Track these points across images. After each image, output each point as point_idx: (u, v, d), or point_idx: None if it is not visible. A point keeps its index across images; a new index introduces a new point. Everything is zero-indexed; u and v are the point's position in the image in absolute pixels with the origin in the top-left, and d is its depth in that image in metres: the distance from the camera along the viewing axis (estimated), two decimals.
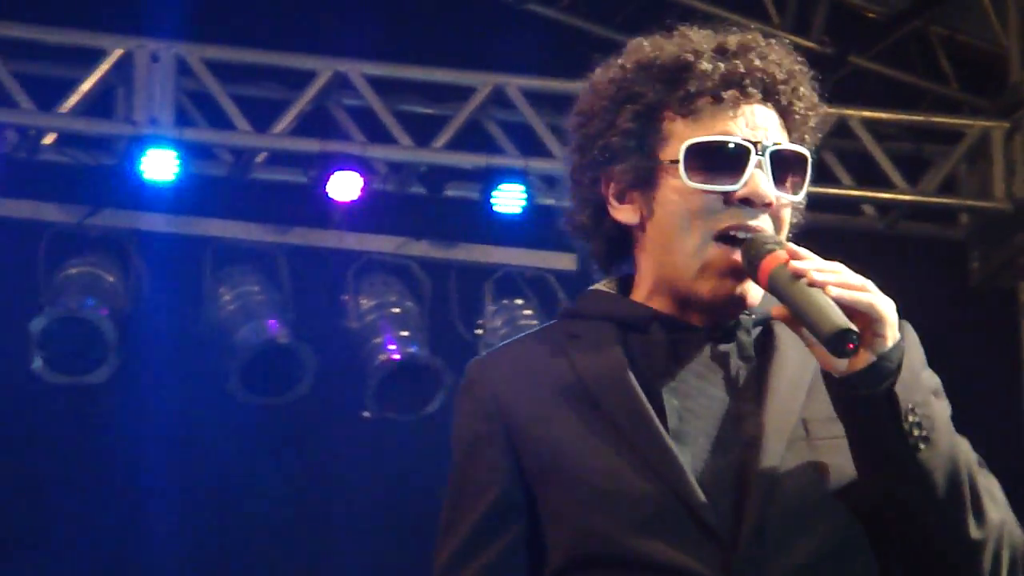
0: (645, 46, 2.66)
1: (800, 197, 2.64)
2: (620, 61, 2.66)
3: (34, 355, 6.64)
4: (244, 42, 6.95)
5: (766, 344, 2.59)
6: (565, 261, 7.17)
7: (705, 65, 2.59)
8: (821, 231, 7.48)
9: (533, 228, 7.04)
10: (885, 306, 2.45)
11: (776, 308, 2.46)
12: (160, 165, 6.63)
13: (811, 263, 2.46)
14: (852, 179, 7.35)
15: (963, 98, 7.82)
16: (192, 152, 6.80)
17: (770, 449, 2.51)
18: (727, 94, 2.59)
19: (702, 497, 2.49)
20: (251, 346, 6.87)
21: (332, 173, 6.77)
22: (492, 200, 6.92)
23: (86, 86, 6.73)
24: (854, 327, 2.36)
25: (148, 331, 6.88)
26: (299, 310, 6.99)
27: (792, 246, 2.51)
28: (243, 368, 6.88)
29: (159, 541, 6.90)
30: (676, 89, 2.60)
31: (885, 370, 2.41)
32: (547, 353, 2.64)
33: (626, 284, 2.70)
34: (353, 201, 6.81)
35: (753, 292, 2.56)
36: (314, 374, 6.91)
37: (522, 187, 6.93)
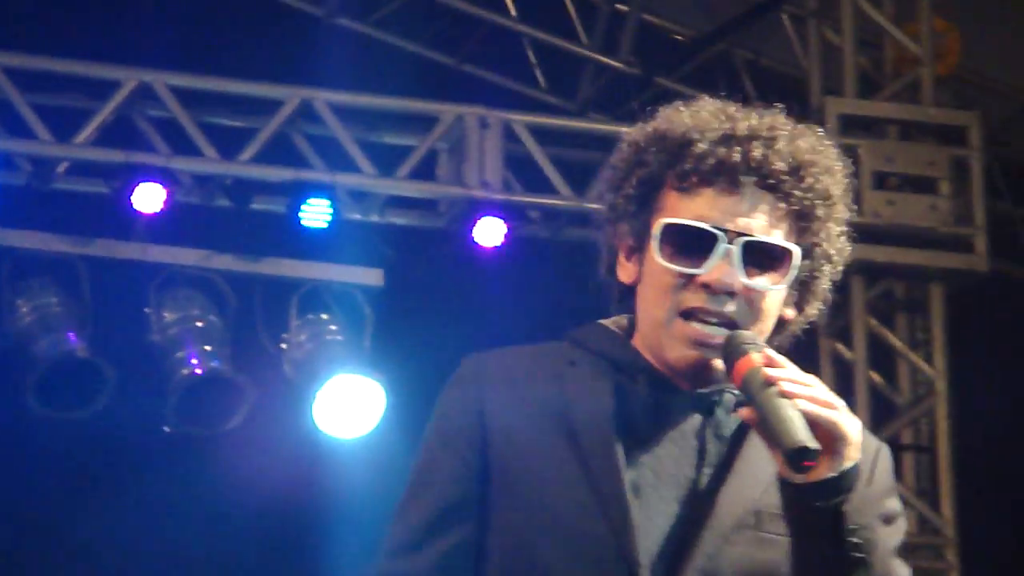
0: (671, 113, 2.74)
1: (779, 287, 2.67)
2: (651, 123, 2.75)
3: None
4: (46, 50, 6.83)
5: (743, 428, 2.64)
6: (372, 276, 7.16)
7: (703, 147, 2.66)
8: None
9: (340, 243, 7.01)
10: (850, 427, 2.49)
11: (745, 410, 2.52)
12: None
13: (785, 372, 2.52)
14: None
15: None
16: None
17: (716, 529, 2.59)
18: (718, 179, 2.65)
19: (641, 557, 2.57)
20: (49, 359, 6.75)
21: (135, 184, 6.68)
22: (299, 214, 6.88)
23: None
24: (814, 446, 2.42)
25: None
26: (100, 323, 6.88)
27: (770, 352, 2.57)
28: (40, 381, 6.75)
29: None
30: (676, 164, 2.67)
31: (838, 488, 2.47)
32: (542, 371, 2.73)
33: (631, 328, 2.76)
34: (157, 213, 6.73)
35: (715, 367, 2.63)
36: (114, 388, 6.80)
37: (328, 202, 6.90)
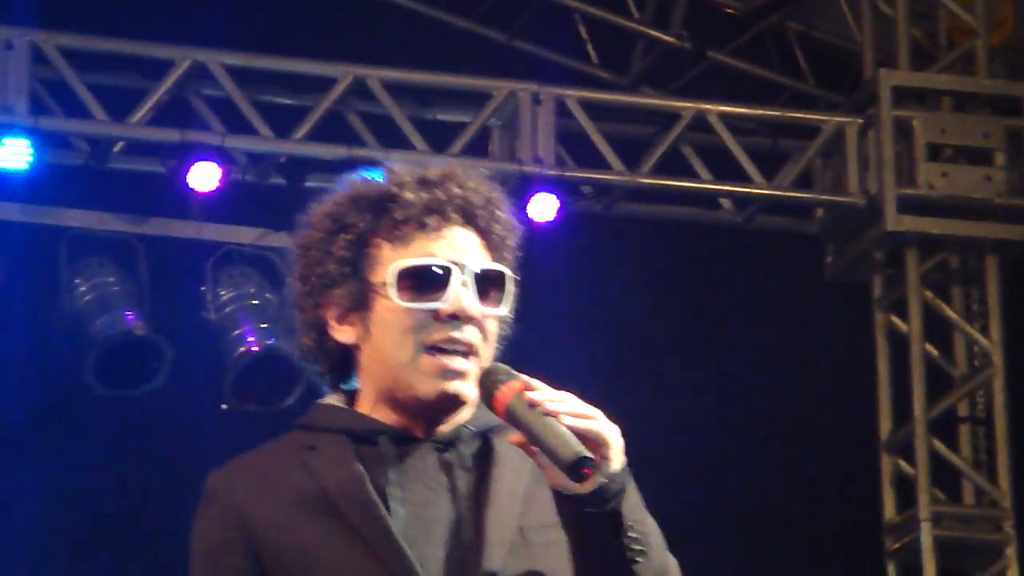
0: (356, 181, 2.92)
1: (504, 311, 2.87)
2: (333, 197, 2.91)
3: None
4: (101, 30, 6.87)
5: (485, 456, 2.80)
6: None
7: (409, 194, 2.83)
8: (679, 225, 7.61)
9: None
10: (612, 432, 2.67)
11: (514, 436, 2.67)
12: (14, 154, 6.54)
13: (544, 394, 2.69)
14: (710, 173, 7.42)
15: (818, 94, 7.94)
16: (47, 141, 6.71)
17: (492, 555, 2.73)
18: (430, 220, 2.82)
19: None
20: (107, 338, 6.80)
21: (191, 163, 6.71)
22: None
23: None
24: (590, 454, 2.60)
25: (2, 322, 6.78)
26: (156, 301, 6.93)
27: (525, 378, 2.72)
28: (99, 360, 6.80)
29: (11, 534, 6.81)
30: (383, 217, 2.84)
31: (612, 491, 2.65)
32: (286, 464, 2.83)
33: (352, 397, 2.89)
34: (212, 191, 6.77)
35: (466, 391, 2.78)
36: (171, 366, 6.85)
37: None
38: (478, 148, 7.24)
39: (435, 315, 2.80)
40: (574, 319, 7.41)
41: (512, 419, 2.68)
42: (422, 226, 2.84)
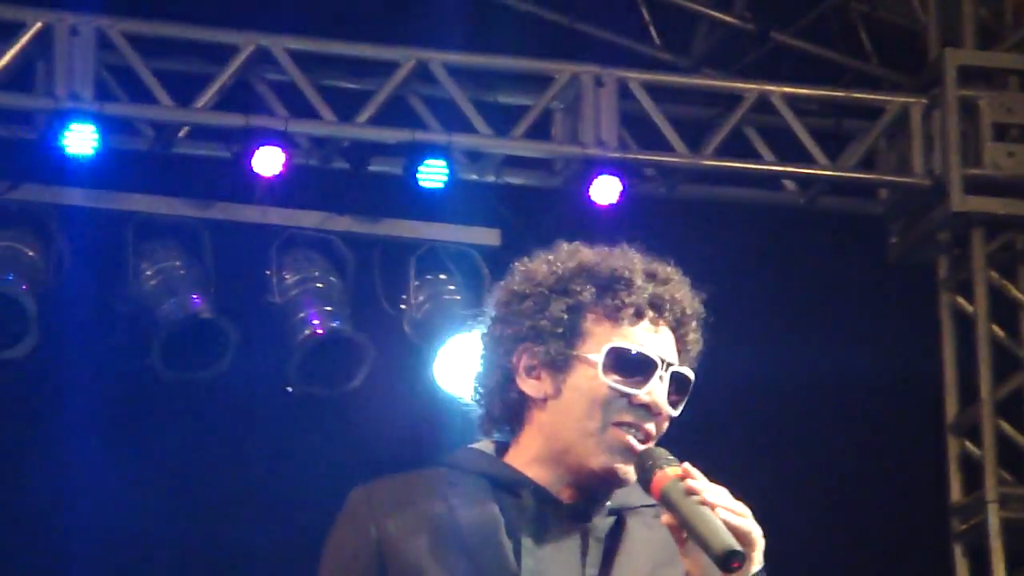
0: (586, 252, 3.08)
1: (677, 412, 3.01)
2: (560, 258, 3.06)
3: None
4: (165, 16, 6.91)
5: (617, 531, 2.95)
6: (488, 236, 7.19)
7: (640, 282, 3.01)
8: (742, 207, 7.59)
9: (456, 203, 7.04)
10: (758, 532, 2.84)
11: (665, 517, 2.84)
12: (81, 140, 6.59)
13: (702, 484, 2.84)
14: (773, 155, 7.40)
15: (883, 74, 7.88)
16: (113, 126, 6.76)
17: None
18: (650, 313, 3.00)
19: None
20: (173, 321, 6.85)
21: (255, 148, 6.75)
22: (416, 175, 6.92)
23: (5, 59, 6.68)
24: (741, 548, 2.76)
25: (69, 306, 6.84)
26: (222, 285, 6.97)
27: (687, 465, 2.88)
28: (165, 343, 6.85)
29: (78, 518, 6.87)
30: (607, 296, 3.00)
31: None
32: (428, 494, 2.96)
33: (501, 449, 3.02)
34: (276, 176, 6.80)
35: (632, 475, 2.93)
36: (236, 349, 6.89)
37: (445, 162, 6.94)
38: (540, 131, 7.24)
39: (630, 400, 2.95)
40: None
41: (667, 503, 2.82)
42: (640, 316, 2.99)
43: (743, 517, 2.82)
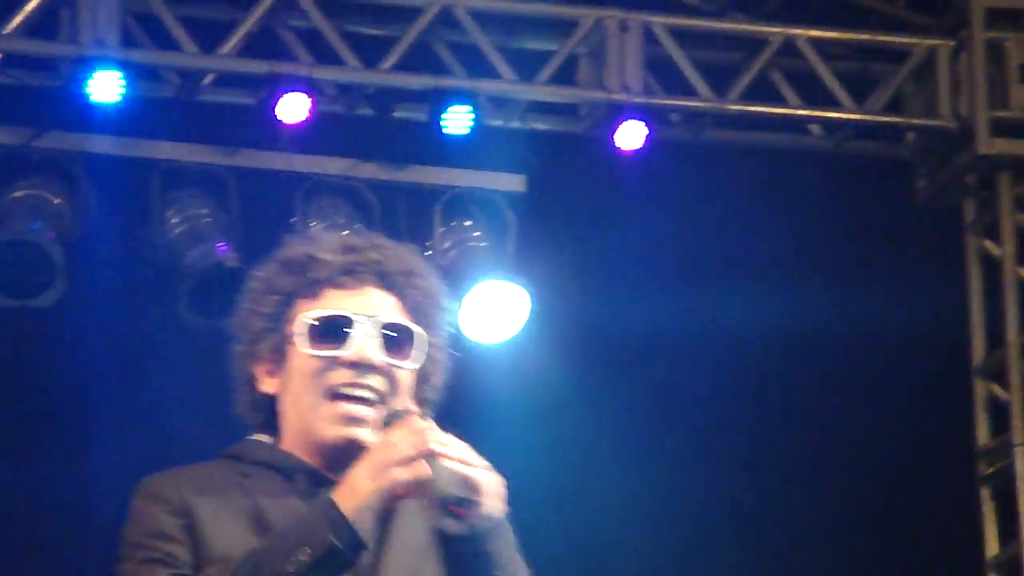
0: (287, 248, 3.20)
1: (414, 365, 3.13)
2: (267, 263, 3.20)
3: None
4: None
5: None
6: (514, 182, 7.18)
7: (327, 256, 3.13)
8: (768, 151, 7.56)
9: (481, 149, 7.04)
10: (492, 482, 2.97)
11: None
12: (106, 87, 6.59)
13: (433, 435, 2.97)
14: (799, 99, 7.37)
15: (909, 17, 7.83)
16: (138, 73, 6.76)
17: None
18: (344, 280, 3.11)
19: None
20: (199, 269, 6.86)
21: (280, 95, 6.74)
22: (441, 121, 6.91)
23: (30, 6, 6.68)
24: (467, 496, 2.88)
25: (95, 254, 6.86)
26: (248, 233, 6.98)
27: (417, 420, 3.00)
28: (192, 291, 6.87)
29: (105, 465, 6.91)
30: (303, 279, 3.12)
31: (483, 534, 2.93)
32: (224, 482, 3.09)
33: (277, 439, 3.16)
34: (301, 123, 6.79)
35: (366, 437, 3.03)
36: None
37: (470, 108, 6.92)
38: (565, 76, 7.22)
39: (336, 361, 3.06)
40: (663, 247, 7.40)
41: None
42: (336, 284, 3.11)
43: (471, 466, 2.94)
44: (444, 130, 6.93)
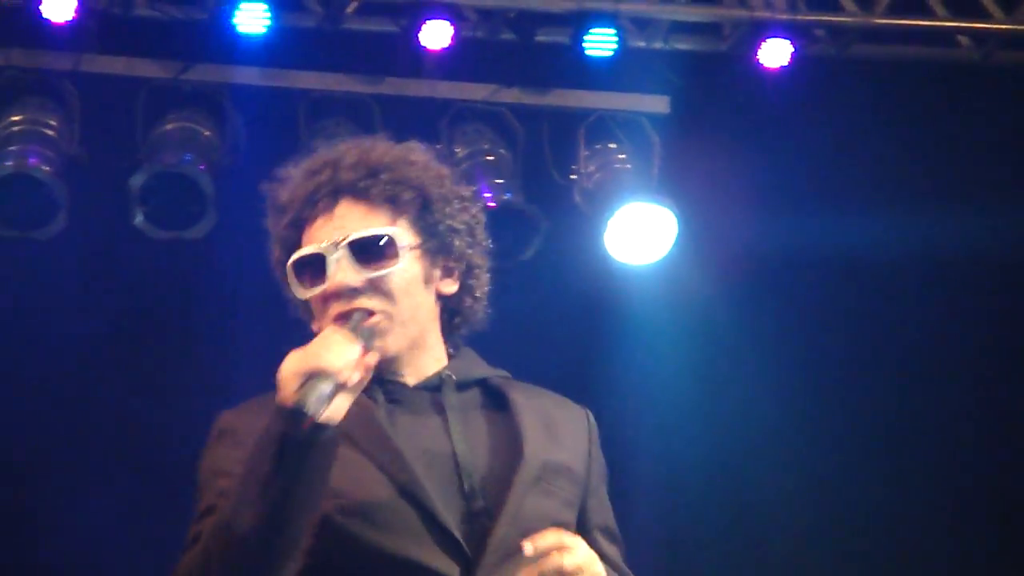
0: (271, 191, 3.27)
1: (398, 266, 3.09)
2: (269, 208, 3.27)
3: (135, 210, 6.72)
4: None
5: (490, 398, 3.13)
6: (658, 104, 7.15)
7: (286, 197, 3.19)
8: (916, 64, 7.45)
9: (625, 71, 7.01)
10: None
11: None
12: (252, 18, 6.65)
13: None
14: (946, 10, 7.25)
15: None
16: (282, 4, 6.81)
17: (524, 477, 3.01)
18: (312, 211, 3.13)
19: (449, 512, 2.96)
20: None
21: (423, 21, 6.76)
22: (583, 44, 6.89)
23: None
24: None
25: (245, 185, 6.92)
26: None
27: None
28: None
29: (253, 387, 7.01)
30: (288, 229, 3.18)
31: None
32: None
33: None
34: (444, 49, 6.81)
35: (380, 349, 3.06)
36: None
37: (613, 30, 6.90)
38: None
39: (326, 296, 3.11)
40: (809, 166, 7.34)
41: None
42: (310, 219, 3.14)
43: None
44: (587, 53, 6.91)
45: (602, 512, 3.19)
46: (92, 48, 6.76)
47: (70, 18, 6.55)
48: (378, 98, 7.05)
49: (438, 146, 7.08)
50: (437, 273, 3.19)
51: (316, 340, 2.98)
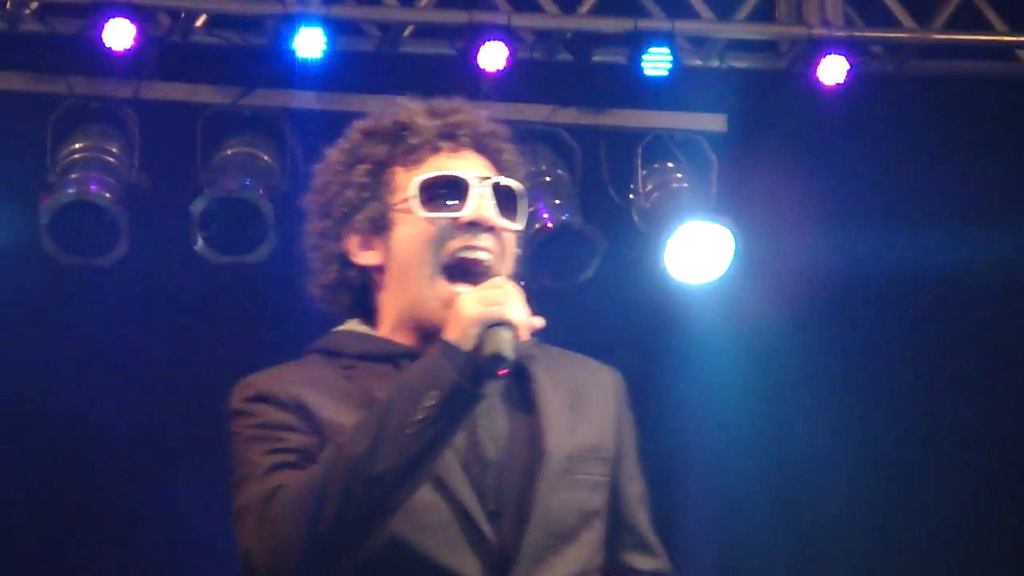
0: (363, 120, 3.14)
1: (520, 226, 3.05)
2: (343, 138, 3.14)
3: (196, 236, 6.76)
4: None
5: (515, 378, 3.01)
6: (715, 122, 7.15)
7: (422, 121, 3.07)
8: (975, 81, 7.41)
9: (681, 90, 7.01)
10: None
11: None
12: (309, 43, 6.69)
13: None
14: (1006, 24, 7.22)
15: None
16: (340, 29, 6.85)
17: (548, 476, 2.94)
18: (443, 144, 3.05)
19: (482, 512, 2.89)
20: None
21: (479, 44, 6.79)
22: (639, 64, 6.90)
23: None
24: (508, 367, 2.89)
25: (304, 209, 6.96)
26: None
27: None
28: None
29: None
30: (399, 145, 3.05)
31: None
32: (326, 374, 2.99)
33: (371, 323, 3.06)
34: (500, 71, 6.83)
35: None
36: None
37: (668, 49, 6.90)
38: (764, 13, 7.15)
39: (455, 223, 2.98)
40: (868, 184, 7.31)
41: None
42: (436, 149, 3.04)
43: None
44: (643, 72, 6.91)
45: (634, 480, 3.14)
46: (152, 75, 6.82)
47: (130, 45, 6.61)
48: None
49: None
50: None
51: (493, 290, 2.90)
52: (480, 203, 2.99)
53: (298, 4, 6.72)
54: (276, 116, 6.96)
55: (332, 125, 7.02)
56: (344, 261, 3.08)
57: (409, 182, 3.01)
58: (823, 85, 6.96)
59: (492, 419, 2.96)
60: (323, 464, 2.82)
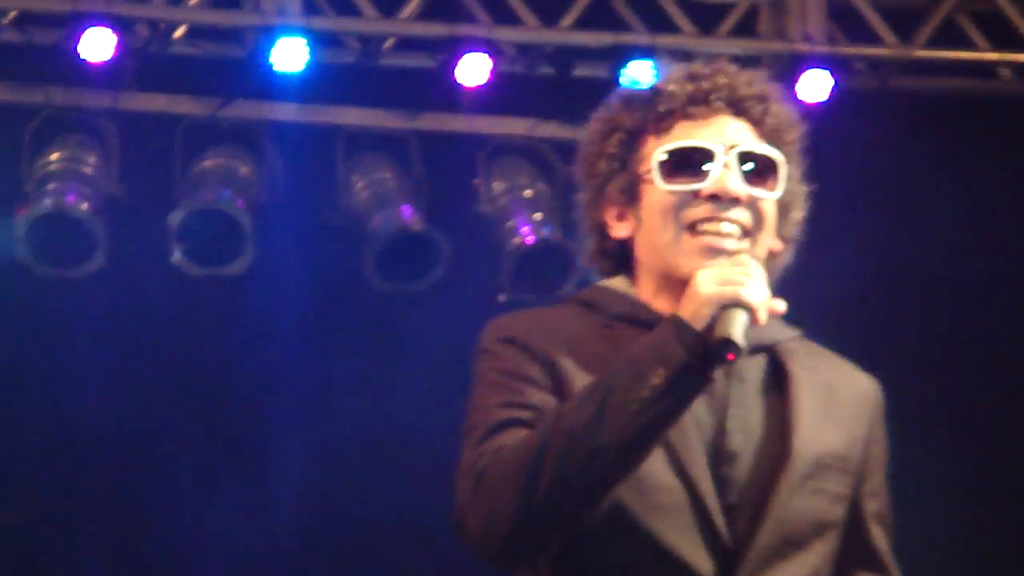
0: (627, 89, 3.04)
1: (776, 194, 2.92)
2: (607, 104, 3.04)
3: (173, 248, 6.72)
4: None
5: (771, 369, 2.95)
6: None
7: (673, 87, 2.95)
8: (957, 98, 7.40)
9: None
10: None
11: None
12: (289, 55, 6.66)
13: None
14: (987, 42, 7.21)
15: None
16: (320, 41, 6.81)
17: (791, 478, 2.86)
18: (695, 110, 2.93)
19: (718, 503, 2.81)
20: (385, 233, 6.91)
21: (460, 57, 6.76)
22: (621, 78, 6.88)
23: None
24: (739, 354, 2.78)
25: (283, 221, 6.94)
26: (431, 195, 7.02)
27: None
28: (378, 255, 6.93)
29: (289, 425, 7.01)
30: (649, 112, 2.96)
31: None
32: (587, 333, 2.91)
33: (633, 283, 2.99)
34: (482, 84, 6.80)
35: None
36: (449, 259, 6.94)
37: (651, 63, 6.88)
38: (746, 28, 7.14)
39: (697, 196, 2.88)
40: (852, 198, 7.29)
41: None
42: (686, 116, 2.93)
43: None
44: (624, 87, 6.88)
45: (877, 498, 3.04)
46: (130, 86, 6.78)
47: (108, 56, 6.57)
48: (416, 133, 7.04)
49: (476, 181, 7.08)
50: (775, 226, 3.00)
51: (733, 268, 2.79)
52: (722, 174, 2.88)
53: (278, 15, 6.69)
54: (255, 128, 6.93)
55: (311, 137, 7.08)
56: (602, 232, 3.02)
57: (655, 151, 2.92)
58: (805, 101, 6.94)
59: (746, 410, 2.88)
60: (541, 432, 2.78)
